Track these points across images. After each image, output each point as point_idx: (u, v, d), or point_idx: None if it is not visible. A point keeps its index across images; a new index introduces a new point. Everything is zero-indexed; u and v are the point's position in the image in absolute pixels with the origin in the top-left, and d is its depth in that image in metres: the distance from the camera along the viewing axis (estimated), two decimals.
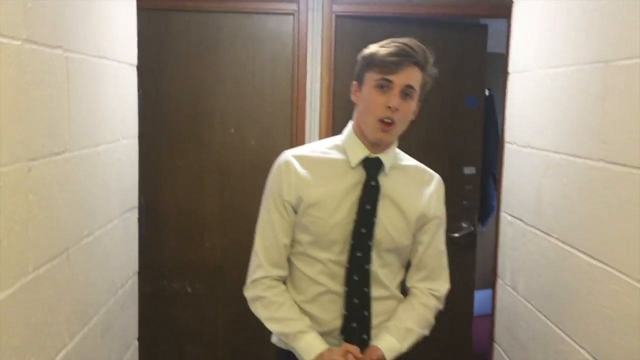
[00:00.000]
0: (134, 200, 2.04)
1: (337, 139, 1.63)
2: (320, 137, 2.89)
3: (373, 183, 1.55)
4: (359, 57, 1.56)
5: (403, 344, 1.54)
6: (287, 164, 1.58)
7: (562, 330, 1.62)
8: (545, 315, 1.73)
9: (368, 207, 1.54)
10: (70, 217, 1.45)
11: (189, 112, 2.88)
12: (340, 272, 1.55)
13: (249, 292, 1.60)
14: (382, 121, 1.48)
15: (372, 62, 1.50)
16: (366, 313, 1.55)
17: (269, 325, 1.58)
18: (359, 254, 1.54)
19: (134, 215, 2.03)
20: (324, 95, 2.93)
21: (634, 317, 1.28)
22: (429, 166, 1.64)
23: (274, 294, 1.57)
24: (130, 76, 1.98)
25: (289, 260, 1.61)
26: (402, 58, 1.47)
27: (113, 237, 1.79)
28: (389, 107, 1.46)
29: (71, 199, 1.45)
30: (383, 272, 1.58)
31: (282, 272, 1.59)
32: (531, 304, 1.83)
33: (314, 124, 2.94)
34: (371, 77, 1.50)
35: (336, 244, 1.55)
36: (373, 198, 1.55)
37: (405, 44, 1.50)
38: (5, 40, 1.10)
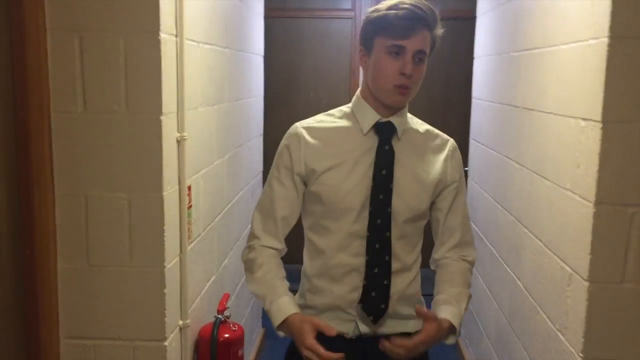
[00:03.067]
0: (261, 130, 3.64)
1: (344, 108, 1.62)
2: None
3: (387, 147, 1.51)
4: (365, 20, 1.50)
5: (461, 307, 1.51)
6: (297, 135, 1.56)
7: (484, 189, 3.10)
8: (482, 189, 3.21)
9: (384, 172, 1.50)
10: (242, 129, 3.05)
11: (284, 82, 4.53)
12: (355, 243, 1.53)
13: (243, 258, 1.61)
14: (397, 86, 1.45)
15: (382, 27, 1.44)
16: (386, 282, 1.53)
17: (250, 287, 1.57)
18: (378, 222, 1.50)
19: (261, 138, 3.63)
20: None
21: (509, 179, 2.76)
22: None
23: (261, 254, 1.56)
24: (260, 62, 3.56)
25: (306, 236, 1.61)
26: (414, 22, 1.41)
27: (253, 149, 3.39)
28: (404, 74, 1.43)
29: (241, 123, 3.04)
30: (400, 244, 1.55)
31: (277, 244, 1.58)
32: (478, 185, 3.32)
33: None
34: (381, 43, 1.45)
35: (349, 212, 1.51)
36: (389, 163, 1.51)
37: (416, 6, 1.43)
38: (214, 47, 2.66)
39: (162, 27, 1.70)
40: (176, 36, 1.84)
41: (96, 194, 1.75)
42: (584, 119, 1.77)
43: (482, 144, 3.24)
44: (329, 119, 1.61)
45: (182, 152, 1.90)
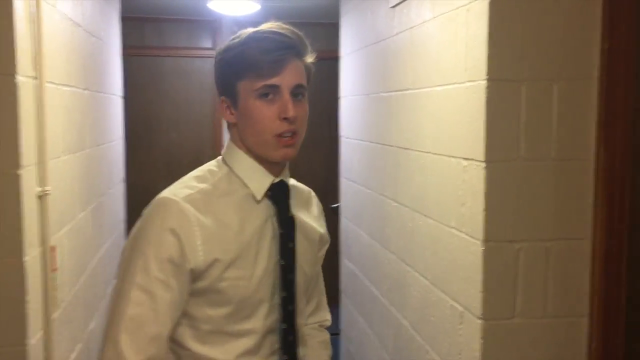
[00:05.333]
0: (122, 175, 3.38)
1: (214, 167, 1.26)
2: None
3: (290, 214, 1.26)
4: (219, 64, 1.22)
5: None
6: (184, 213, 1.14)
7: (358, 227, 3.11)
8: (357, 226, 3.23)
9: (291, 245, 1.25)
10: (104, 176, 2.80)
11: (145, 124, 4.30)
12: (268, 341, 1.24)
13: None
14: (280, 136, 1.18)
15: (243, 67, 1.16)
16: None
17: None
18: (290, 308, 1.25)
19: (123, 184, 3.37)
20: None
21: (386, 217, 2.78)
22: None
23: None
24: (120, 103, 3.33)
25: (183, 350, 1.20)
26: (283, 53, 1.15)
27: (116, 196, 3.13)
28: (286, 119, 1.16)
29: (104, 169, 2.79)
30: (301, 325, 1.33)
31: None
32: (352, 223, 3.33)
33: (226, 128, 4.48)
34: (247, 87, 1.16)
35: (261, 305, 1.21)
36: (293, 233, 1.26)
37: (278, 33, 1.17)
38: (73, 89, 2.45)
39: (18, 68, 1.48)
40: (35, 78, 1.62)
41: None
42: (465, 159, 1.82)
43: (354, 182, 3.26)
44: (208, 188, 1.22)
45: (45, 209, 1.67)
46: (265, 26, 1.20)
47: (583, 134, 1.71)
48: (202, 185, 1.21)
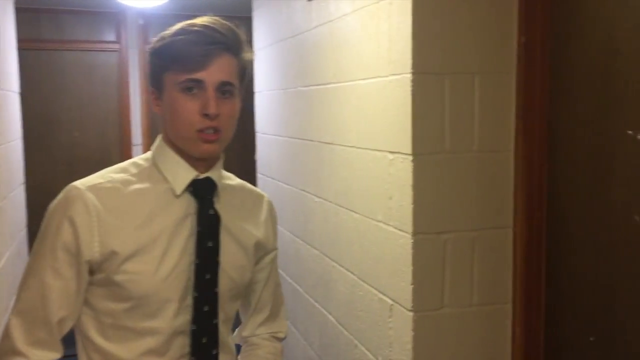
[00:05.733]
0: (22, 179, 3.14)
1: (141, 161, 1.24)
2: (144, 137, 4.19)
3: (211, 212, 1.22)
4: (150, 53, 1.20)
5: None
6: (84, 203, 1.13)
7: (283, 227, 3.07)
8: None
9: (210, 244, 1.21)
10: (2, 180, 2.58)
11: (44, 122, 4.05)
12: (177, 343, 1.20)
13: None
14: (202, 132, 1.15)
15: (170, 58, 1.14)
16: None
17: None
18: (206, 309, 1.21)
19: (23, 187, 3.14)
20: (143, 105, 4.25)
21: (308, 213, 2.75)
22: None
23: None
24: (16, 100, 3.09)
25: (89, 342, 1.19)
26: (209, 47, 1.13)
27: (16, 201, 2.90)
28: (206, 115, 1.13)
29: (2, 172, 2.58)
30: (224, 329, 1.29)
31: (54, 354, 1.16)
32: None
33: (137, 126, 4.24)
34: (172, 79, 1.14)
35: (168, 305, 1.17)
36: (214, 231, 1.21)
37: (209, 27, 1.14)
38: None
39: None
40: None
41: None
42: (391, 152, 1.81)
43: (273, 178, 3.21)
44: (124, 178, 1.20)
45: None
46: (200, 19, 1.17)
47: (503, 126, 1.76)
48: (118, 176, 1.21)
